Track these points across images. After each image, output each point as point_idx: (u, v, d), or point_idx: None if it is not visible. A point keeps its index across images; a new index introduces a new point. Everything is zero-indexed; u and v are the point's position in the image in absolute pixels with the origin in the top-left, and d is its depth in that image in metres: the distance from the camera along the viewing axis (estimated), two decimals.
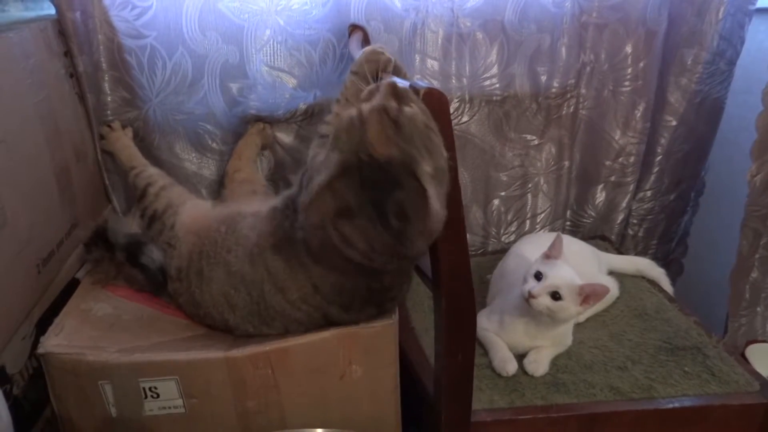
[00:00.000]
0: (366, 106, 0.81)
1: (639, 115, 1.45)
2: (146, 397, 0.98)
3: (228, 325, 1.04)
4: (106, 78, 1.24)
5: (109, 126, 1.30)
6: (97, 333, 1.03)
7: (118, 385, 0.97)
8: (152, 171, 1.24)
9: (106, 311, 1.09)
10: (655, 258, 1.70)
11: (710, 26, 1.38)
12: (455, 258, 0.93)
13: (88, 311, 1.08)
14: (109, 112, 1.28)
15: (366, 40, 1.27)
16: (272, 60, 1.27)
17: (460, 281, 0.94)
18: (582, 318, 1.28)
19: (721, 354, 1.18)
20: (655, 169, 1.54)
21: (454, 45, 1.34)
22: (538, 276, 1.13)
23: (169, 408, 0.99)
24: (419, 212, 0.80)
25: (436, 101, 0.83)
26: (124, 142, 1.28)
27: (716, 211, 1.70)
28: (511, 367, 1.15)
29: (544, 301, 1.11)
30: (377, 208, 0.82)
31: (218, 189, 1.36)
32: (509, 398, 1.10)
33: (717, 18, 1.37)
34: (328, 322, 0.99)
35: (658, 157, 1.53)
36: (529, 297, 1.11)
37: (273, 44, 1.26)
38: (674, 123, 1.48)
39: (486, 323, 1.22)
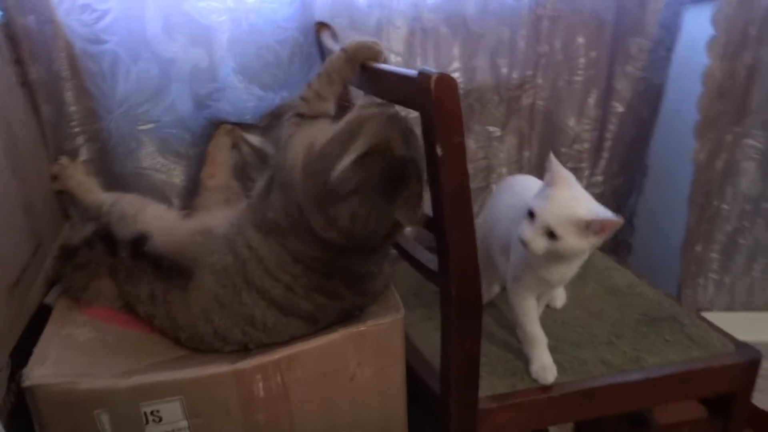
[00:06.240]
0: (389, 109, 0.94)
1: (592, 102, 1.52)
2: (147, 422, 0.92)
3: (216, 333, 1.01)
4: (69, 87, 1.17)
5: (58, 163, 1.23)
6: (85, 359, 0.96)
7: (116, 412, 0.91)
8: (104, 196, 1.19)
9: (88, 336, 1.02)
10: (606, 240, 1.78)
11: (652, 15, 1.46)
12: (463, 245, 0.93)
13: (70, 337, 1.00)
14: (74, 123, 1.20)
15: (334, 38, 1.26)
16: (241, 61, 1.23)
17: (468, 268, 0.94)
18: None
19: (695, 321, 1.25)
20: (606, 155, 1.61)
21: (418, 40, 1.35)
22: (532, 214, 0.97)
23: (173, 431, 0.93)
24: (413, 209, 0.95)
25: (446, 86, 0.84)
26: (77, 178, 1.22)
27: (654, 191, 1.80)
28: (551, 376, 1.08)
29: (540, 243, 0.96)
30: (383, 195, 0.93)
31: (190, 197, 1.30)
32: (510, 382, 1.11)
33: (658, 7, 1.45)
34: (306, 300, 1.00)
35: (608, 143, 1.60)
36: (523, 244, 0.97)
37: (242, 45, 1.22)
38: (622, 109, 1.56)
39: (523, 295, 1.08)
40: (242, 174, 1.38)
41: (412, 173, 0.93)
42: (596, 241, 0.96)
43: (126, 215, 1.10)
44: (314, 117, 1.01)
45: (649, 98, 1.57)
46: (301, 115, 1.01)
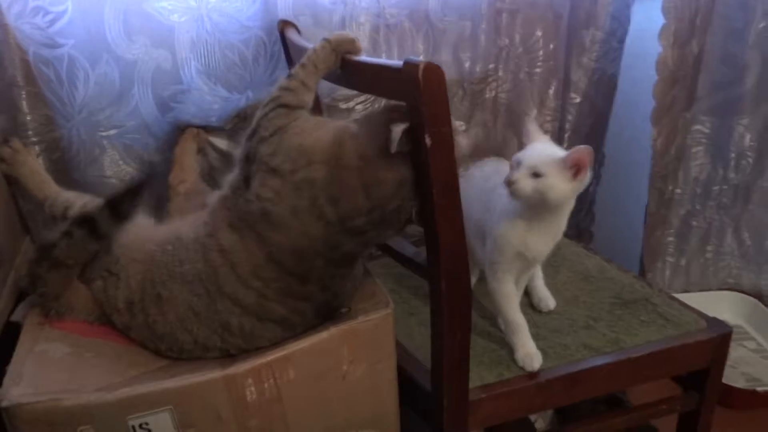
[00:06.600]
0: None
1: (552, 94, 1.55)
2: None
3: (196, 342, 0.98)
4: (24, 95, 1.11)
5: (9, 146, 1.13)
6: (64, 375, 0.91)
7: (102, 428, 0.86)
8: (68, 194, 1.11)
9: (64, 351, 0.96)
10: (568, 228, 1.82)
11: (603, 8, 1.51)
12: (453, 237, 0.93)
13: (44, 353, 0.94)
14: (30, 132, 1.14)
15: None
16: (205, 62, 1.20)
17: (458, 259, 0.94)
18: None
19: (666, 301, 1.28)
20: (566, 145, 1.65)
21: (382, 36, 1.36)
22: (518, 164, 1.05)
23: None
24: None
25: (434, 75, 0.84)
26: (30, 165, 1.14)
27: (611, 180, 1.86)
28: (537, 362, 1.10)
29: (526, 183, 1.02)
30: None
31: (159, 204, 1.25)
32: (497, 371, 1.11)
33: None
34: (279, 304, 0.98)
35: (567, 133, 1.64)
36: (509, 185, 1.03)
37: (206, 45, 1.19)
38: (578, 100, 1.60)
39: (502, 278, 1.13)
40: (209, 179, 1.34)
41: None
42: (574, 185, 1.04)
43: None
44: (299, 108, 0.99)
45: (604, 88, 1.62)
46: (286, 106, 0.99)
